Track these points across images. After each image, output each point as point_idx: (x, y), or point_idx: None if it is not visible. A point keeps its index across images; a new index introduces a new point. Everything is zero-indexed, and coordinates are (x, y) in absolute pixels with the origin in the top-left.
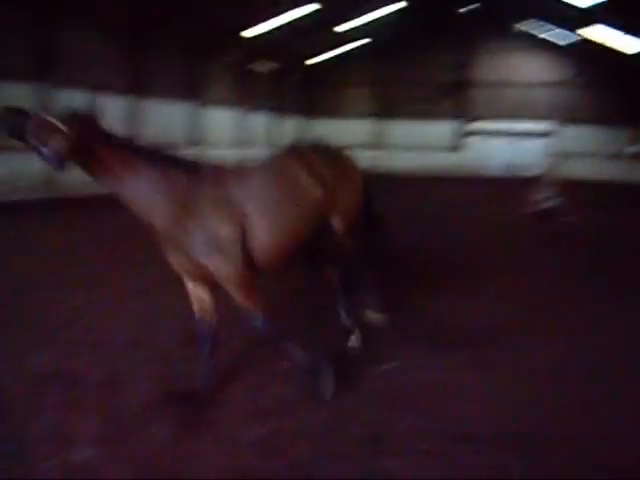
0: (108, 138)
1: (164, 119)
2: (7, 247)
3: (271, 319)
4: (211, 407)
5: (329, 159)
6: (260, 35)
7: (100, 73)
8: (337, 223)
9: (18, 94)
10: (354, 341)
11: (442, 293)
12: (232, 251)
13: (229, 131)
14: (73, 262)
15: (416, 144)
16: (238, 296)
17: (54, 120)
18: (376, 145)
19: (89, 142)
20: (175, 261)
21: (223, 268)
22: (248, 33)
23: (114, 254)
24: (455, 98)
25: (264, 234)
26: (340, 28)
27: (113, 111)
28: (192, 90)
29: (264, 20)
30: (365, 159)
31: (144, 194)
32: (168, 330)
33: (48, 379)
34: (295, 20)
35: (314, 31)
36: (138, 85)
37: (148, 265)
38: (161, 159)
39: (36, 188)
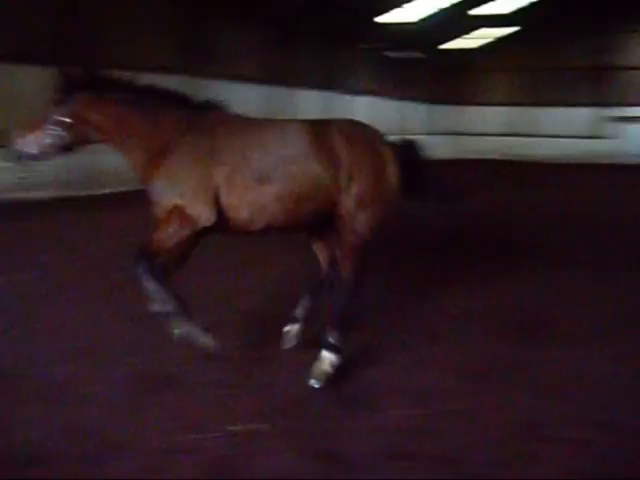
0: (105, 98)
1: (302, 106)
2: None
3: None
4: (363, 388)
5: (355, 141)
6: (396, 23)
7: (243, 64)
8: (343, 211)
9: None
10: (288, 342)
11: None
12: (193, 199)
13: (364, 118)
14: (221, 245)
15: (556, 131)
16: (162, 228)
17: (38, 131)
18: (514, 133)
19: (86, 118)
20: (152, 209)
21: (180, 206)
22: (382, 19)
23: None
24: (597, 83)
25: (238, 193)
26: (475, 12)
27: (253, 100)
28: (329, 78)
29: (399, 5)
30: (503, 147)
31: (123, 141)
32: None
33: (197, 358)
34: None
35: (450, 16)
36: (278, 74)
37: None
38: (157, 107)
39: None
